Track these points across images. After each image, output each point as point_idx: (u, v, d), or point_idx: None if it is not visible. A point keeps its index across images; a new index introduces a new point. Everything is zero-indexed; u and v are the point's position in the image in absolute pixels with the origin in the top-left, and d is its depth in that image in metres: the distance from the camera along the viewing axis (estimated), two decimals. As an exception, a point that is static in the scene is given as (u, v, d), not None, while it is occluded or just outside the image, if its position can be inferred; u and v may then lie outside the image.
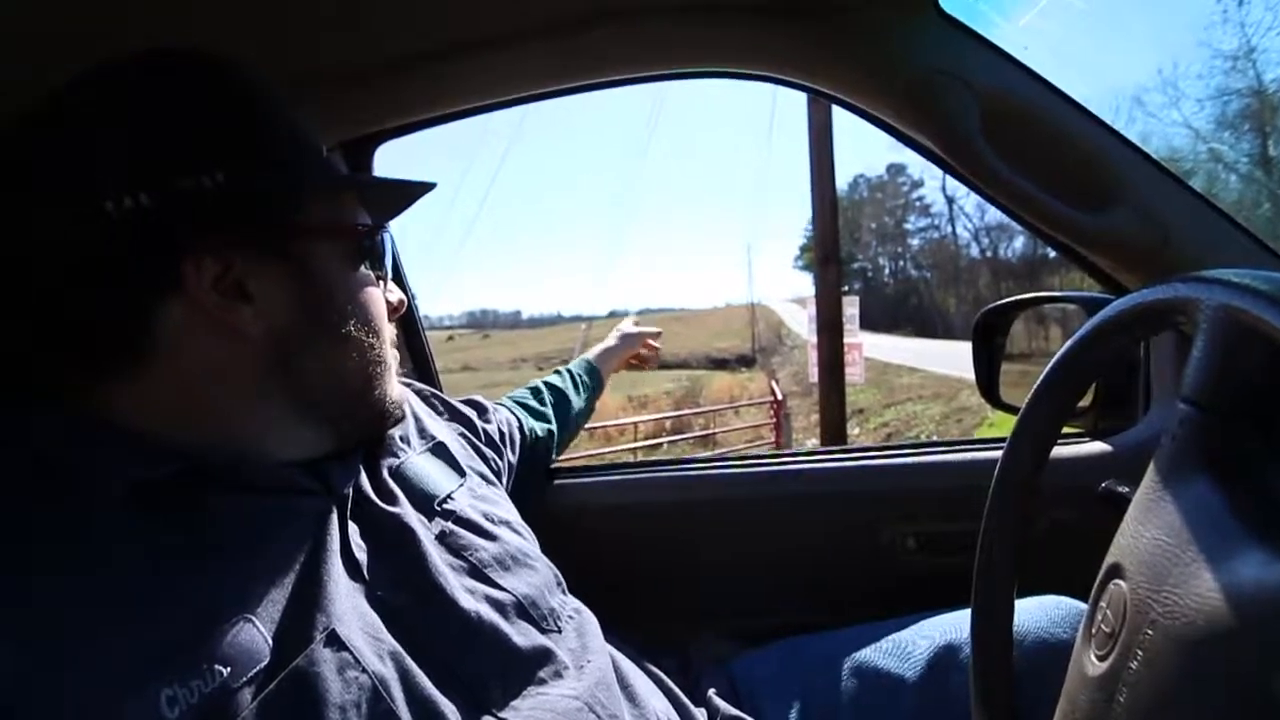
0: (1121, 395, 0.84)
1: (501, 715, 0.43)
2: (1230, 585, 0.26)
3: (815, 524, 0.87)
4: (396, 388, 0.52)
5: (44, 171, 0.40)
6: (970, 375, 0.90)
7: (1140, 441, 0.81)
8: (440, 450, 0.59)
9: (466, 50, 0.73)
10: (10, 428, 0.39)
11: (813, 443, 9.80)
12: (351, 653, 0.38)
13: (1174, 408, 0.33)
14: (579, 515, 0.89)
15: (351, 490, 0.48)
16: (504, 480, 0.69)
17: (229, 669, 0.34)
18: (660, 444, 9.40)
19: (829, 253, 6.22)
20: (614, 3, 0.69)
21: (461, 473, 0.58)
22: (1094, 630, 0.34)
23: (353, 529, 0.46)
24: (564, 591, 0.56)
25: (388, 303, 0.52)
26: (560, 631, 0.51)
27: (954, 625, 0.64)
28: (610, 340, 1.02)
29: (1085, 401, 0.85)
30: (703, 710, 0.61)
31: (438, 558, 0.47)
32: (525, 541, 0.56)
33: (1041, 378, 0.43)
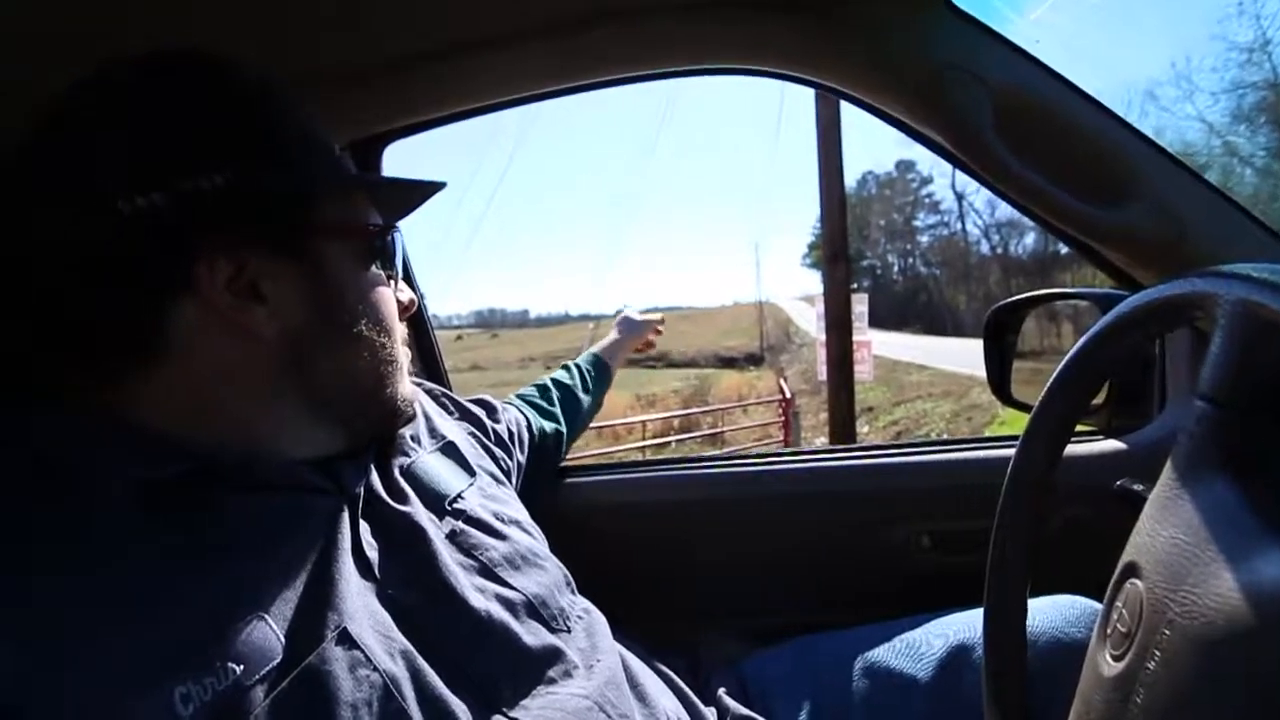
0: (1136, 393, 0.83)
1: (512, 715, 0.43)
2: (1251, 584, 0.26)
3: (825, 522, 0.87)
4: (408, 386, 0.53)
5: (57, 173, 0.41)
6: (980, 372, 0.89)
7: (1156, 439, 0.80)
8: (450, 449, 0.59)
9: (467, 50, 0.73)
10: (21, 428, 0.39)
11: (821, 441, 9.76)
12: (363, 651, 0.39)
13: (1190, 405, 0.32)
14: (588, 514, 0.89)
15: (363, 489, 0.48)
16: (513, 479, 0.69)
17: (242, 667, 0.35)
18: (668, 443, 9.39)
19: (837, 250, 6.19)
20: (615, 2, 0.69)
21: (471, 472, 0.59)
22: (1109, 630, 0.33)
23: (364, 528, 0.46)
24: (573, 591, 0.57)
25: (398, 302, 0.52)
26: (570, 631, 0.51)
27: (967, 625, 0.64)
28: (615, 333, 1.02)
29: (1099, 399, 0.84)
30: (713, 710, 0.61)
31: (448, 557, 0.48)
32: (535, 541, 0.57)
33: (1055, 375, 0.43)
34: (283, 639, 0.37)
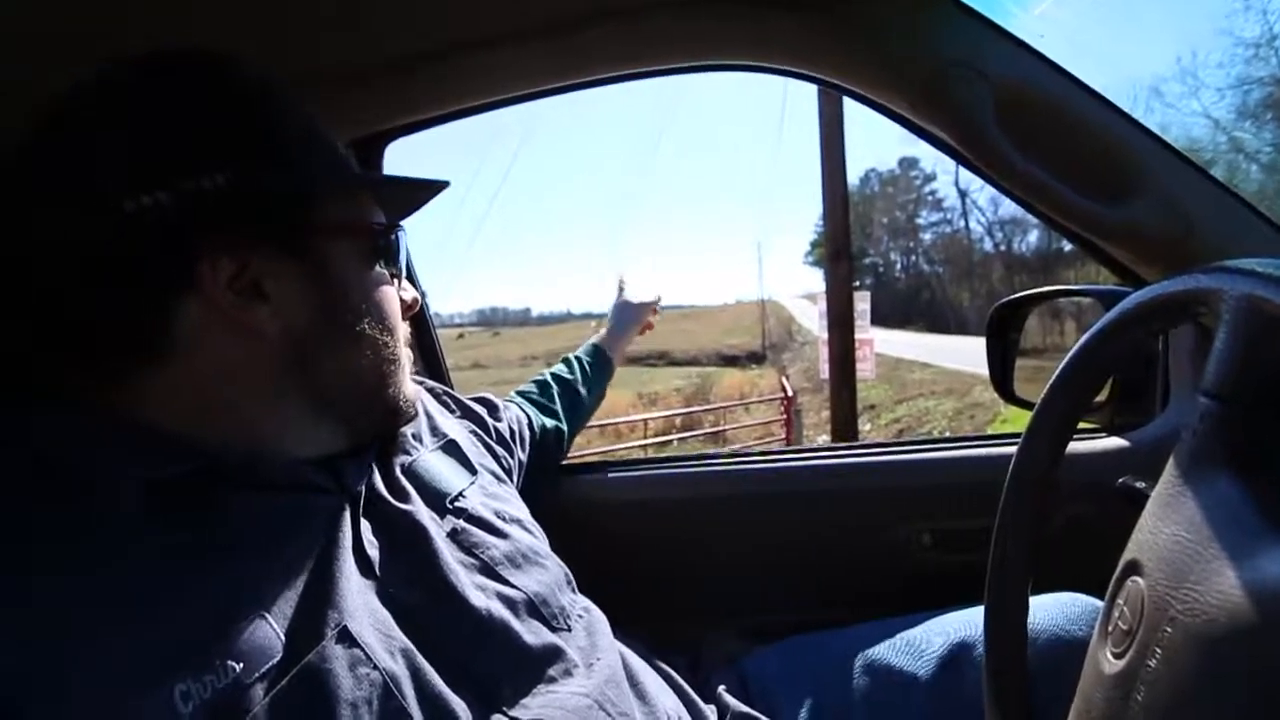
0: (1139, 390, 0.82)
1: (512, 713, 0.43)
2: (1254, 582, 0.26)
3: (827, 520, 0.87)
4: (410, 386, 0.53)
5: (58, 173, 0.41)
6: (983, 371, 0.89)
7: (1158, 436, 0.79)
8: (452, 448, 0.59)
9: (468, 49, 0.73)
10: (23, 428, 0.39)
11: (824, 439, 9.76)
12: (363, 649, 0.39)
13: (1193, 402, 0.32)
14: (589, 512, 0.89)
15: (364, 488, 0.48)
16: (515, 478, 0.69)
17: (241, 665, 0.35)
18: (670, 441, 9.39)
19: (840, 248, 6.18)
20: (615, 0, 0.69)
21: (473, 470, 0.59)
22: (1110, 628, 0.33)
23: (365, 526, 0.46)
24: (574, 590, 0.57)
25: (401, 301, 0.52)
26: (570, 630, 0.51)
27: (968, 622, 0.64)
28: (613, 320, 0.99)
29: (1102, 396, 0.84)
30: (713, 708, 0.61)
31: (449, 555, 0.48)
32: (536, 539, 0.57)
33: (1057, 372, 0.43)
34: (283, 637, 0.37)
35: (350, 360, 0.47)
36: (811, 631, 0.72)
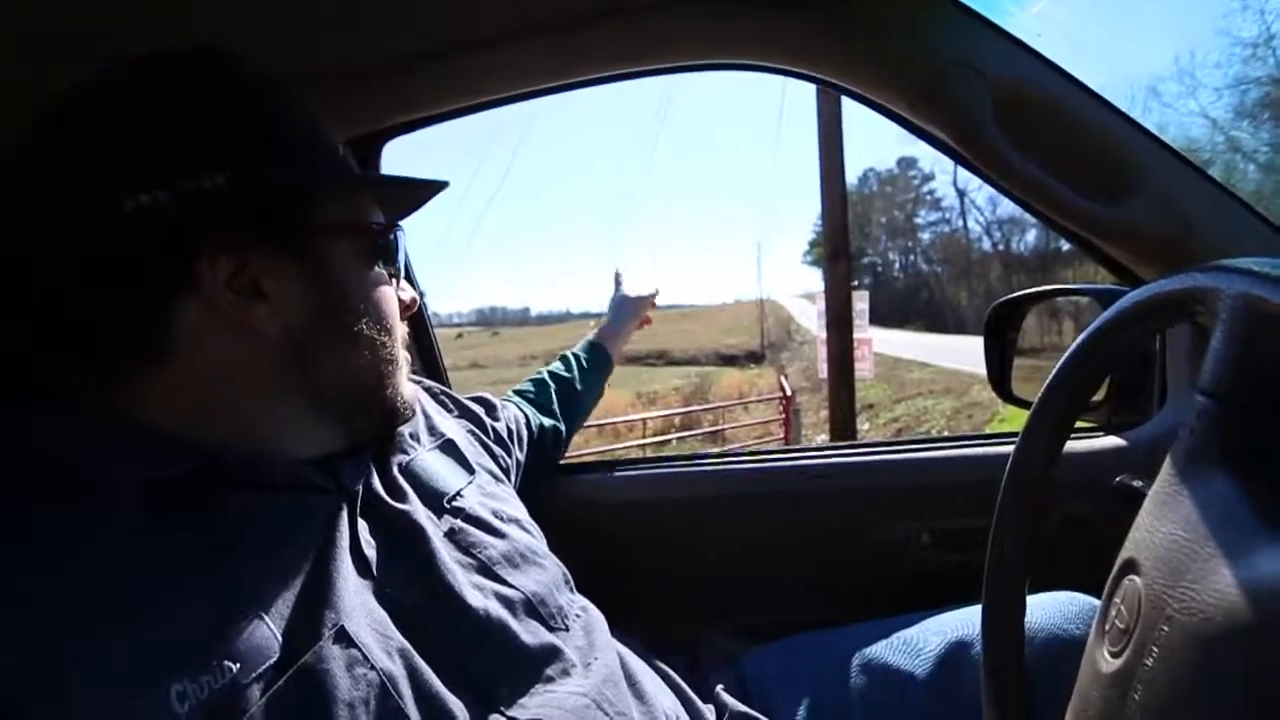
0: (1136, 389, 0.83)
1: (510, 713, 0.43)
2: (1250, 581, 0.26)
3: (825, 520, 0.87)
4: (408, 386, 0.53)
5: (58, 172, 0.41)
6: (981, 370, 0.89)
7: (1155, 435, 0.80)
8: (449, 447, 0.59)
9: (468, 48, 0.73)
10: (23, 427, 0.39)
11: (822, 438, 9.76)
12: (360, 649, 0.39)
13: (1190, 401, 0.32)
14: (587, 512, 0.89)
15: (362, 487, 0.48)
16: (512, 477, 0.69)
17: (239, 665, 0.35)
18: (669, 440, 9.39)
19: (838, 247, 6.18)
20: None
21: (470, 470, 0.59)
22: (1108, 626, 0.33)
23: (362, 526, 0.46)
24: (571, 589, 0.56)
25: (399, 301, 0.52)
26: (568, 630, 0.51)
27: (965, 621, 0.64)
28: (611, 316, 0.98)
29: (1099, 395, 0.84)
30: (711, 707, 0.61)
31: (447, 555, 0.48)
32: (534, 539, 0.57)
33: (1054, 371, 0.43)
34: (280, 637, 0.37)
35: (349, 360, 0.47)
36: (809, 631, 0.72)
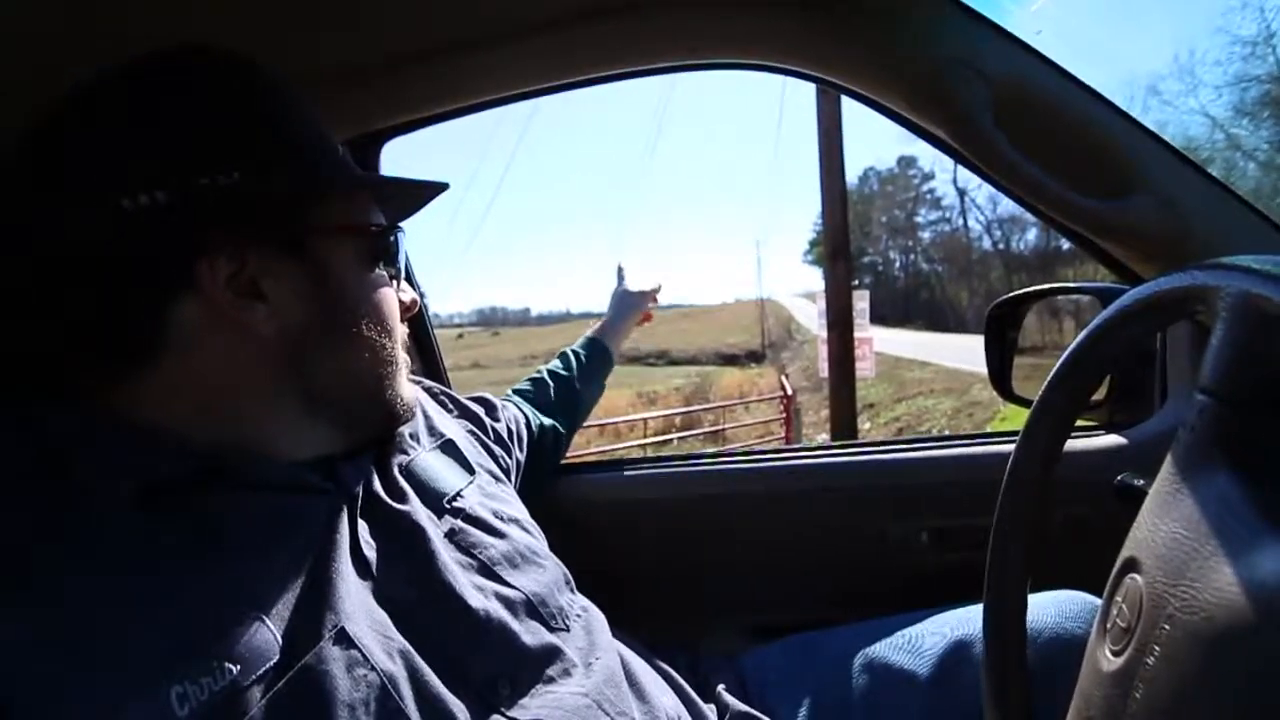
0: (1137, 387, 0.83)
1: (510, 713, 0.43)
2: (1251, 579, 0.26)
3: (826, 519, 0.87)
4: (408, 387, 0.53)
5: (58, 172, 0.41)
6: (982, 369, 0.89)
7: (1156, 434, 0.79)
8: (449, 448, 0.59)
9: (468, 47, 0.73)
10: (23, 426, 0.39)
11: (823, 438, 9.76)
12: (360, 651, 0.39)
13: (1191, 399, 0.32)
14: (588, 512, 0.89)
15: (361, 488, 0.48)
16: (513, 478, 0.69)
17: (239, 667, 0.35)
18: (670, 440, 9.39)
19: (839, 247, 6.18)
20: None
21: (471, 470, 0.58)
22: (1109, 625, 0.33)
23: (362, 527, 0.46)
24: (572, 589, 0.56)
25: (400, 302, 0.52)
26: (568, 630, 0.51)
27: (966, 620, 0.64)
28: (611, 311, 0.97)
29: (1100, 394, 0.84)
30: (712, 707, 0.61)
31: (447, 556, 0.48)
32: (534, 539, 0.56)
33: (1055, 369, 0.42)
34: (280, 639, 0.37)
35: (348, 361, 0.47)
36: (810, 630, 0.72)
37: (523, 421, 0.78)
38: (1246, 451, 0.30)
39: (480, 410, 0.71)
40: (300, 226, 0.45)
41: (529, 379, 0.89)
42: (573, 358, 0.91)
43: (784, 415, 9.02)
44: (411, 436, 0.56)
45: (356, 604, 0.41)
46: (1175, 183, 0.68)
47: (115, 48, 0.42)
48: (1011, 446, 0.44)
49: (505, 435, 0.71)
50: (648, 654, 0.61)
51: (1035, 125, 0.68)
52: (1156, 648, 0.29)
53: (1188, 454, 0.32)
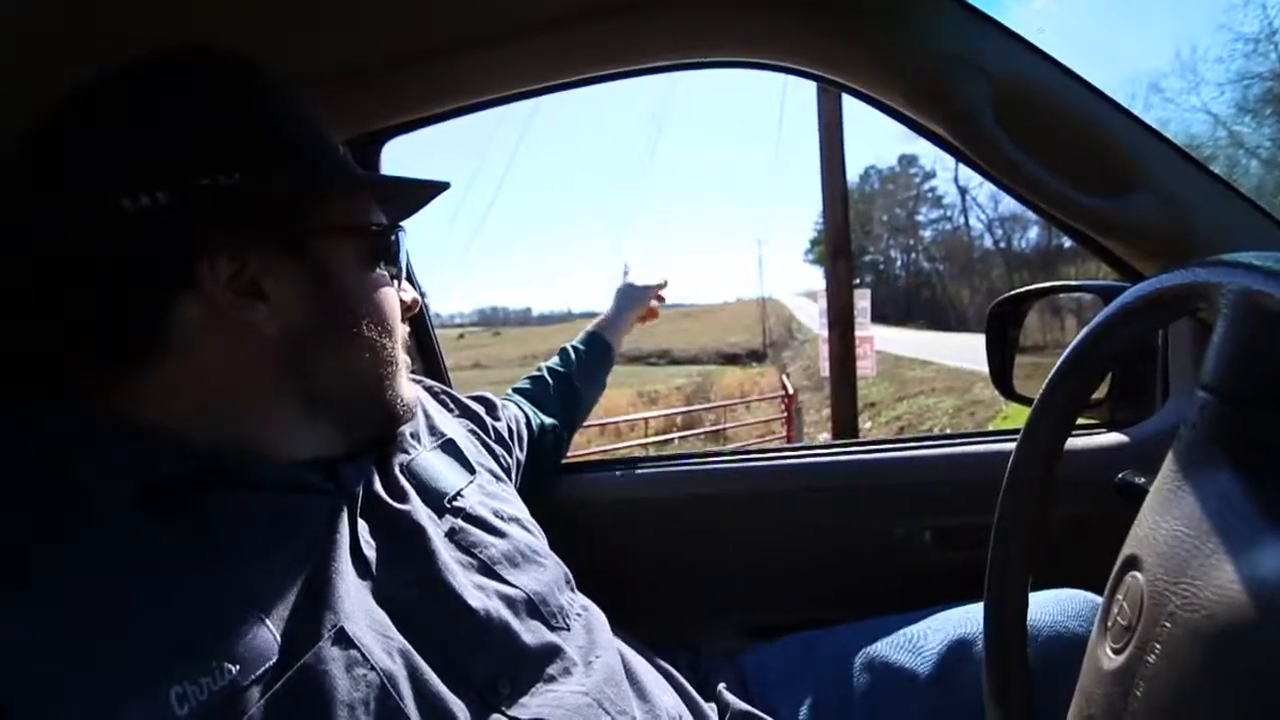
0: (1138, 385, 0.82)
1: (511, 713, 0.43)
2: (1252, 577, 0.26)
3: (827, 518, 0.87)
4: (409, 388, 0.53)
5: (58, 172, 0.41)
6: (984, 368, 0.89)
7: (1158, 432, 0.79)
8: (450, 447, 0.59)
9: (469, 47, 0.73)
10: (23, 426, 0.39)
11: (824, 437, 9.76)
12: (360, 650, 0.39)
13: (1193, 397, 0.32)
14: (588, 511, 0.89)
15: (362, 488, 0.48)
16: (513, 477, 0.69)
17: (238, 667, 0.35)
18: (671, 439, 9.39)
19: (840, 246, 6.17)
20: None
21: (471, 470, 0.59)
22: (1110, 623, 0.33)
23: (362, 526, 0.46)
24: (572, 589, 0.56)
25: (400, 302, 0.52)
26: (569, 629, 0.51)
27: (967, 619, 0.64)
28: (614, 305, 0.95)
29: (1101, 392, 0.84)
30: (713, 706, 0.61)
31: (447, 555, 0.48)
32: (534, 538, 0.56)
33: (1056, 368, 0.42)
34: (279, 639, 0.37)
35: (348, 361, 0.47)
36: (811, 629, 0.72)
37: (523, 420, 0.78)
38: (1248, 449, 0.30)
39: (481, 409, 0.71)
40: (301, 226, 0.45)
41: (529, 377, 0.88)
42: (573, 354, 0.90)
43: (785, 414, 9.02)
44: (412, 436, 0.56)
45: (356, 604, 0.41)
46: (1177, 180, 0.67)
47: (115, 48, 0.42)
48: (1012, 445, 0.44)
49: (506, 434, 0.71)
50: (648, 653, 0.61)
51: (1037, 123, 0.67)
52: (1157, 646, 0.29)
53: (1189, 451, 0.32)
